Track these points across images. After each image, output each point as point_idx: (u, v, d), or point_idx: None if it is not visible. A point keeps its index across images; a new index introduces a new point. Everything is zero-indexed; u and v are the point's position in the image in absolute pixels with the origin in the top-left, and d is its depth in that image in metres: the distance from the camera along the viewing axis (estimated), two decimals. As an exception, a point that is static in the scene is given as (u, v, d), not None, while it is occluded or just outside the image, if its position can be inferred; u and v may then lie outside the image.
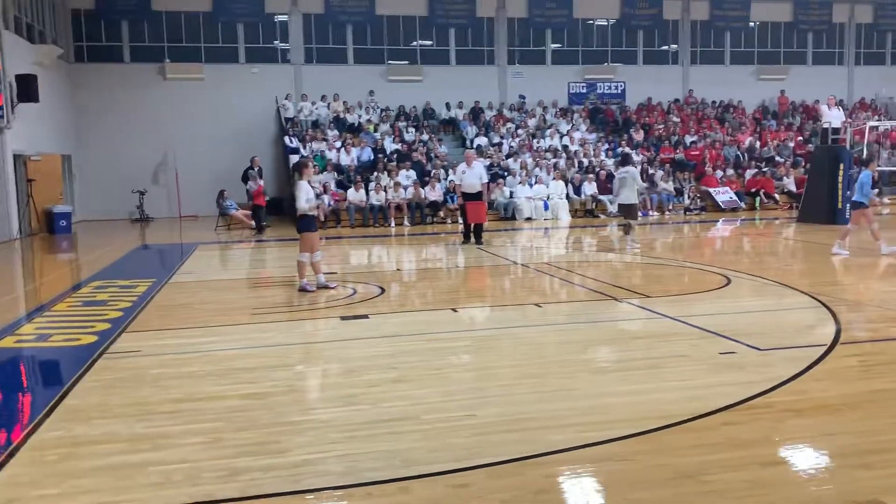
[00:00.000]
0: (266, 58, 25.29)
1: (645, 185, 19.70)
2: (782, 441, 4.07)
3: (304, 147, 22.03)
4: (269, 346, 6.59)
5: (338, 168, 21.23)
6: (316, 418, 4.61)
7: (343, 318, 7.64)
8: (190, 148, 24.03)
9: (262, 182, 18.95)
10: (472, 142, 23.16)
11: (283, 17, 25.44)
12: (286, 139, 22.40)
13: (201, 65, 24.49)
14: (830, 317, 7.05)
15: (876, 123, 23.19)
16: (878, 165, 22.39)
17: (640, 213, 13.95)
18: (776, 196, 22.10)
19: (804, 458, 3.85)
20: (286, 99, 24.15)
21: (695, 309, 7.80)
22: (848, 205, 12.45)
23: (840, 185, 16.47)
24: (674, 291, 9.02)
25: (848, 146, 17.37)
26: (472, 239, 14.28)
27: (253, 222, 19.44)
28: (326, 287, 9.37)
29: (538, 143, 23.73)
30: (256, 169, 20.51)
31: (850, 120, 19.30)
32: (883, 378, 5.08)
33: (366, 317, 7.68)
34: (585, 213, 20.70)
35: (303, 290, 9.23)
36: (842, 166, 16.47)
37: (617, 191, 13.72)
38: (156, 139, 23.93)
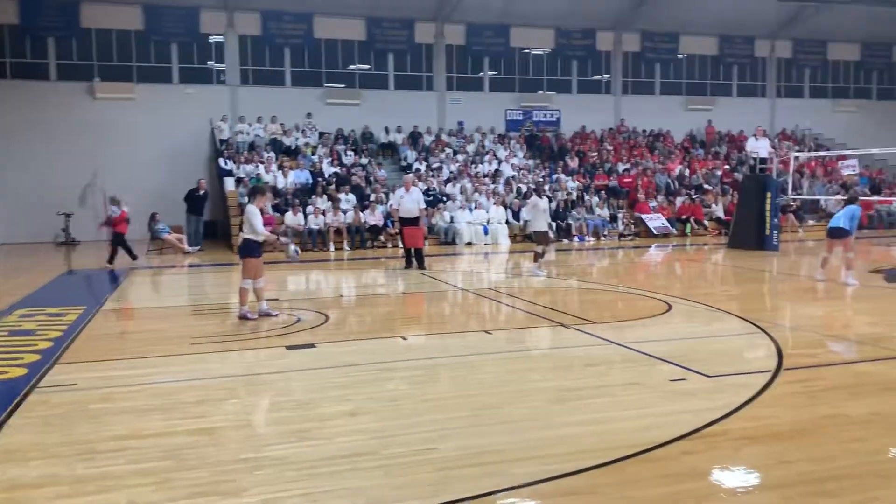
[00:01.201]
0: (200, 78, 24.79)
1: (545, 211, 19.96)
2: (742, 470, 4.12)
3: (239, 169, 21.62)
4: (214, 377, 6.35)
5: (275, 191, 20.87)
6: (270, 455, 4.44)
7: (289, 348, 7.45)
8: (119, 169, 23.23)
9: (126, 209, 16.79)
10: (411, 166, 23.18)
11: (219, 38, 25.03)
12: (220, 161, 21.95)
13: (132, 84, 23.83)
14: (771, 342, 7.25)
15: (812, 154, 24.29)
16: (800, 194, 23.44)
17: (552, 240, 14.08)
18: (706, 223, 22.84)
19: (767, 488, 3.91)
20: (221, 120, 23.69)
21: (640, 335, 7.92)
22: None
23: (768, 213, 17.11)
24: (618, 317, 9.15)
25: (775, 176, 18.10)
26: (415, 264, 14.22)
27: (186, 247, 18.91)
28: (269, 314, 9.14)
29: (477, 168, 23.93)
30: (202, 192, 20.03)
31: (774, 150, 20.13)
32: (828, 404, 5.23)
33: (312, 346, 7.50)
34: (524, 237, 20.90)
35: (243, 317, 8.98)
36: (769, 195, 17.12)
37: (529, 219, 13.86)
38: (83, 160, 23.06)
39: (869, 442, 4.47)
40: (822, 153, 26.49)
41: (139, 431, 4.87)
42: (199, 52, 24.83)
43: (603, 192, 23.51)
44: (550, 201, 21.79)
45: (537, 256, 13.44)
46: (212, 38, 25.01)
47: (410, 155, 24.17)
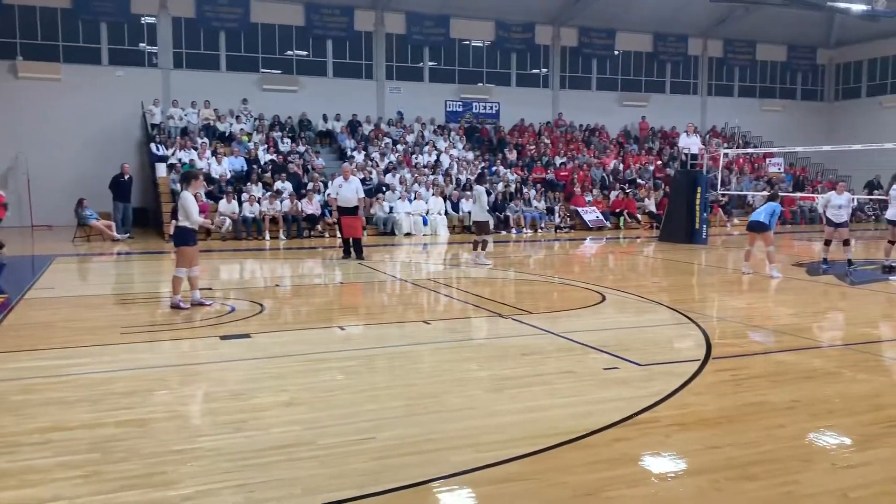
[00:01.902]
0: (131, 60, 23.98)
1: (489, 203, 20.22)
2: (672, 455, 4.25)
3: (173, 155, 21.04)
4: (145, 368, 6.17)
5: (208, 178, 20.38)
6: (203, 446, 4.34)
7: (223, 338, 7.30)
8: (44, 153, 22.34)
9: (2, 193, 16.08)
10: (350, 155, 22.97)
11: (151, 20, 24.25)
12: (152, 146, 21.32)
13: (58, 64, 22.88)
14: (700, 332, 7.49)
15: (741, 151, 25.08)
16: (728, 190, 24.23)
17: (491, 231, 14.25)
18: (638, 216, 23.38)
19: (695, 472, 4.03)
20: (153, 104, 22.97)
21: (575, 325, 8.05)
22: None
23: (698, 208, 17.62)
24: (554, 307, 9.29)
25: (705, 172, 18.65)
26: (353, 254, 14.12)
27: (115, 234, 18.32)
28: (202, 304, 8.94)
29: (417, 158, 23.89)
30: (127, 177, 19.40)
31: (704, 146, 20.72)
32: (754, 391, 5.43)
33: (247, 336, 7.37)
34: (463, 229, 21.00)
35: (175, 306, 8.76)
36: (699, 190, 17.64)
37: (471, 208, 13.98)
38: (5, 142, 22.08)
39: (790, 427, 4.67)
40: (749, 150, 27.46)
41: (65, 423, 4.70)
42: (130, 33, 24.02)
43: (540, 184, 23.79)
44: (489, 194, 21.99)
45: (477, 245, 13.52)
46: (144, 20, 24.21)
47: (349, 143, 23.96)
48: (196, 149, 21.34)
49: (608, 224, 22.82)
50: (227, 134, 23.09)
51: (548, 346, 6.98)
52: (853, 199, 12.58)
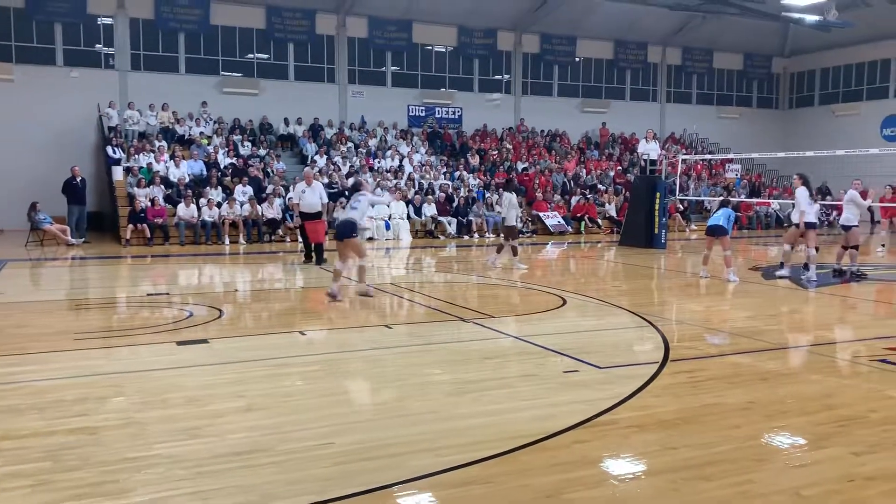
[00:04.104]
0: (87, 61, 23.49)
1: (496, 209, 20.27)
2: (631, 457, 4.29)
3: (130, 159, 20.66)
4: (98, 374, 6.04)
5: (166, 181, 20.08)
6: (158, 454, 4.26)
7: (180, 343, 7.17)
8: (-5, 154, 21.75)
9: None
10: (311, 159, 22.82)
11: (108, 20, 23.80)
12: (108, 149, 20.90)
13: (11, 65, 22.31)
14: (658, 335, 7.59)
15: (698, 157, 25.49)
16: (687, 195, 24.64)
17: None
18: (599, 221, 23.64)
19: (653, 473, 4.07)
20: (109, 107, 22.52)
21: (537, 328, 8.11)
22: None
23: (657, 213, 17.86)
24: (516, 311, 9.34)
25: (664, 177, 18.93)
26: (314, 259, 14.01)
27: (70, 238, 17.90)
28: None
29: (379, 163, 23.83)
30: (79, 180, 18.98)
31: (663, 152, 21.05)
32: (711, 393, 5.52)
33: (205, 341, 7.26)
34: (426, 233, 21.00)
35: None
36: (658, 195, 17.88)
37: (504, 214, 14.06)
38: (-47, 143, 21.43)
39: (745, 428, 4.75)
40: (707, 156, 27.98)
41: (14, 432, 4.57)
42: (86, 33, 23.53)
43: (503, 189, 23.91)
44: (452, 201, 22.04)
45: (513, 250, 13.69)
46: (100, 20, 23.76)
47: (310, 148, 23.80)
48: (154, 152, 20.98)
49: (569, 229, 23.02)
50: (185, 137, 22.75)
51: (509, 350, 7.02)
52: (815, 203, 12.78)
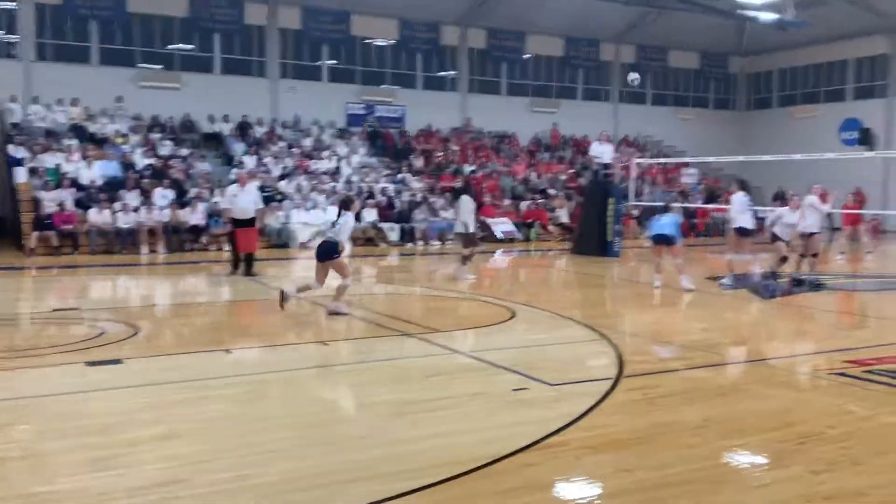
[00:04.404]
0: (-15, 50, 22.73)
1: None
2: (583, 480, 4.33)
3: (35, 158, 20.01)
4: (-4, 400, 5.81)
5: (77, 184, 19.50)
6: (65, 488, 4.12)
7: (90, 364, 6.96)
8: None
9: None
10: (239, 160, 22.50)
11: (10, 5, 23.06)
12: (10, 148, 20.21)
13: None
14: (612, 349, 7.70)
15: (654, 161, 26.01)
16: (641, 201, 25.15)
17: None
18: (550, 228, 23.92)
19: (606, 497, 4.12)
20: (11, 101, 21.78)
21: (484, 343, 8.16)
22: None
23: (610, 220, 18.16)
24: (462, 325, 9.37)
25: (618, 182, 19.29)
26: (242, 268, 13.76)
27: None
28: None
29: (314, 165, 23.66)
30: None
31: (618, 155, 21.45)
32: (666, 410, 5.63)
33: (119, 361, 7.06)
34: (366, 241, 20.89)
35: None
36: (611, 201, 18.19)
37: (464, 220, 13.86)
38: None
39: (702, 448, 4.85)
40: (663, 160, 28.61)
41: None
42: (-17, 19, 22.77)
43: (448, 193, 23.98)
44: (394, 206, 22.01)
45: (466, 259, 13.48)
46: (2, 5, 23.01)
47: (238, 147, 23.47)
48: (63, 152, 20.38)
49: (519, 236, 23.23)
50: (98, 136, 22.15)
51: (455, 367, 7.03)
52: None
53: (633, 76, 16.53)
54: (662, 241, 12.21)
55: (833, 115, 31.68)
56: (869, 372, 6.77)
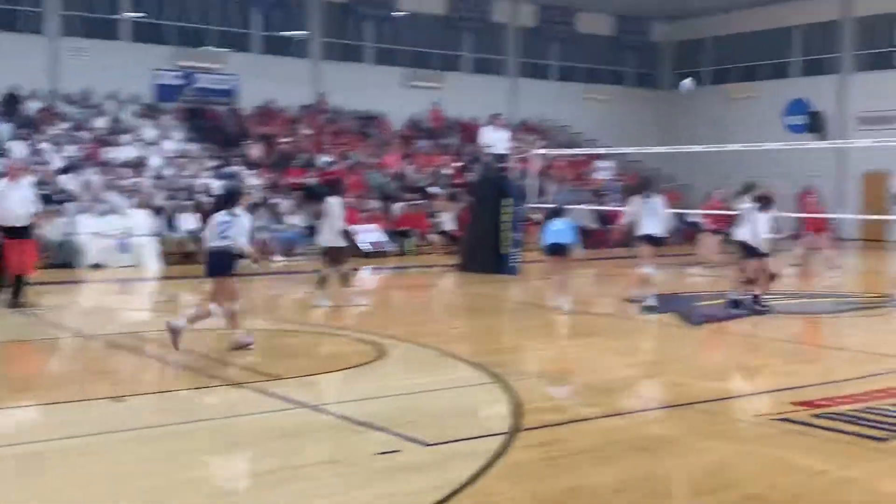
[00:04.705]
0: None
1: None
2: (468, 569, 4.38)
3: None
4: None
5: None
6: None
7: None
8: None
9: None
10: (3, 147, 21.65)
11: None
12: None
13: None
14: (508, 395, 7.83)
15: (561, 152, 26.58)
16: (546, 202, 25.75)
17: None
18: (432, 237, 24.12)
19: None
20: None
21: (342, 393, 8.12)
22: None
23: (506, 226, 18.44)
24: (315, 369, 9.29)
25: (514, 178, 19.65)
26: (6, 296, 13.13)
27: None
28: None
29: (110, 153, 23.03)
30: None
31: (520, 144, 21.90)
32: (573, 472, 5.75)
33: None
34: (183, 257, 20.39)
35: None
36: (508, 202, 18.49)
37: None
38: None
39: (618, 519, 5.00)
40: (571, 151, 29.37)
41: None
42: None
43: (298, 193, 23.79)
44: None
45: (324, 281, 13.39)
46: None
47: (3, 128, 22.56)
48: None
49: (391, 248, 23.29)
50: None
51: (302, 426, 6.96)
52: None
53: (688, 84, 17.18)
54: (558, 251, 12.56)
55: (776, 95, 33.36)
56: (819, 416, 7.16)
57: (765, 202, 13.59)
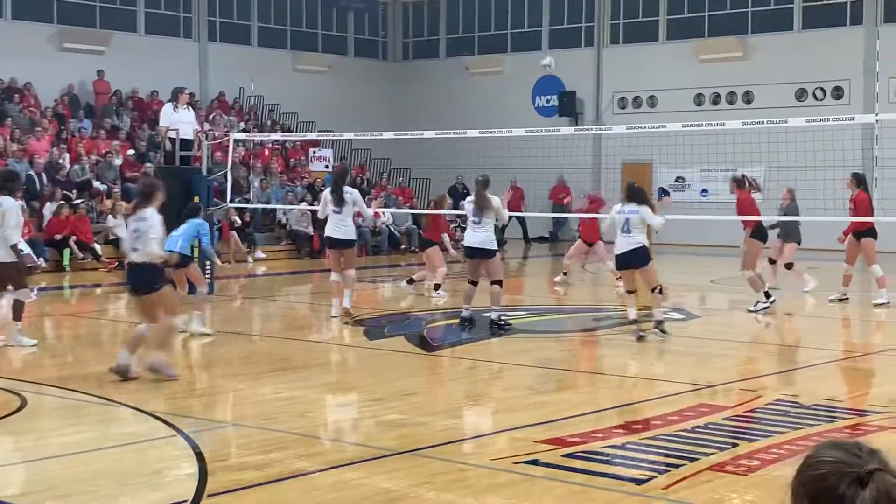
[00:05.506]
0: None
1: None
2: None
3: None
4: None
5: None
6: None
7: None
8: None
9: None
10: None
11: None
12: None
13: None
14: (191, 450, 7.64)
15: (264, 137, 26.25)
16: (248, 201, 25.52)
17: None
18: (97, 247, 23.32)
19: None
20: None
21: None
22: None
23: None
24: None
25: (205, 171, 19.36)
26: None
27: None
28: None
29: None
30: None
31: (208, 127, 21.56)
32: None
33: None
34: None
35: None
36: (195, 200, 18.19)
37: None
38: None
39: None
40: (279, 136, 29.30)
41: None
42: None
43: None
44: None
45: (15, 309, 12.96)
46: None
47: None
48: None
49: (42, 262, 22.33)
50: None
51: None
52: None
53: (548, 61, 17.19)
54: (184, 262, 12.93)
55: (525, 71, 34.55)
56: (570, 456, 7.44)
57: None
